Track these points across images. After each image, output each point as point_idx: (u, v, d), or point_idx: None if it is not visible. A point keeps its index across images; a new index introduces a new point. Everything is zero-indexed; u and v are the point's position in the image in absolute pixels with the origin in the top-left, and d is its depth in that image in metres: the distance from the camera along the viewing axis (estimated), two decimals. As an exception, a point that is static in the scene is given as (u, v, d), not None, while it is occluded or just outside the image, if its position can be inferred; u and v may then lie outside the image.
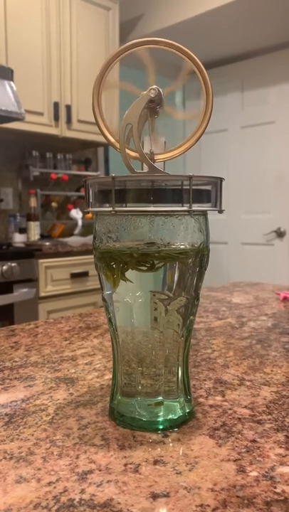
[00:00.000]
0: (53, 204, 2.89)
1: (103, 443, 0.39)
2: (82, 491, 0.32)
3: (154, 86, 0.40)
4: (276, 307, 0.95)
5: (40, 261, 2.24)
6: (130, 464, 0.35)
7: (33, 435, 0.40)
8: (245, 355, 0.63)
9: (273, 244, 3.16)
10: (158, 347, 0.41)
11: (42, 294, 2.25)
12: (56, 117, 2.51)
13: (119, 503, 0.30)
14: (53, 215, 2.93)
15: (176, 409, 0.42)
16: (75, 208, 2.90)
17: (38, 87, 2.44)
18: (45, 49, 2.45)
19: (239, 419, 0.43)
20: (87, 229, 2.82)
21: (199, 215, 0.40)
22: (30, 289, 2.16)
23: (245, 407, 0.46)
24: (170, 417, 0.42)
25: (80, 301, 2.42)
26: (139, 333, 0.41)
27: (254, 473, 0.34)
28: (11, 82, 2.17)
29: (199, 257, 0.41)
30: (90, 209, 0.40)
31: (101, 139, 0.46)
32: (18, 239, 2.57)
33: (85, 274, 2.42)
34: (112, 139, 0.42)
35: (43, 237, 2.73)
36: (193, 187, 0.37)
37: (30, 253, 2.22)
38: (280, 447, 0.38)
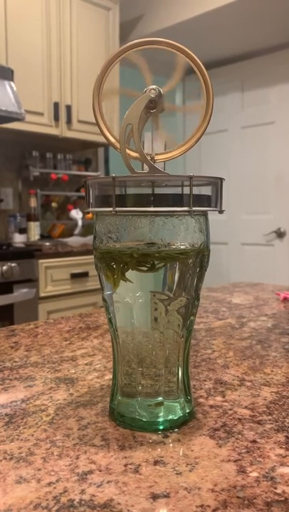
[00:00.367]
0: (53, 204, 2.89)
1: (103, 443, 0.38)
2: (83, 492, 0.32)
3: (154, 86, 0.40)
4: (276, 307, 0.95)
5: (40, 261, 2.24)
6: (130, 464, 0.35)
7: (33, 435, 0.40)
8: (245, 356, 0.63)
9: (273, 244, 3.15)
10: (158, 347, 0.41)
11: (42, 295, 2.25)
12: (56, 117, 2.51)
13: (119, 504, 0.30)
14: (53, 216, 2.93)
15: (177, 410, 0.42)
16: (75, 208, 2.90)
17: (38, 87, 2.44)
18: (46, 49, 2.46)
19: (239, 419, 0.43)
20: (87, 229, 2.82)
21: (200, 216, 0.40)
22: (30, 289, 2.16)
23: (246, 407, 0.46)
24: (170, 417, 0.42)
25: (80, 302, 2.42)
26: (139, 334, 0.41)
27: (254, 474, 0.34)
28: (11, 82, 2.17)
29: (200, 258, 0.41)
30: (91, 209, 0.40)
31: (101, 139, 0.46)
32: (18, 239, 2.57)
33: (85, 275, 2.42)
34: (112, 139, 0.42)
35: (43, 237, 2.73)
36: (194, 193, 0.37)
37: (30, 253, 2.21)
38: (281, 448, 0.38)
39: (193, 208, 0.38)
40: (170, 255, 0.39)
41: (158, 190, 0.38)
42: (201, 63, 0.40)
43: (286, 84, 3.04)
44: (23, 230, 2.61)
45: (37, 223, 2.68)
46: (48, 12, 2.45)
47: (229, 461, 0.36)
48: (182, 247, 0.40)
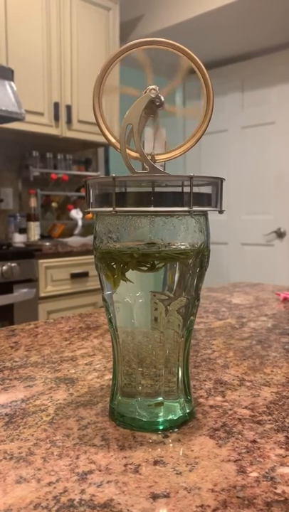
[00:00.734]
0: (53, 204, 2.89)
1: (103, 443, 0.39)
2: (82, 492, 0.32)
3: (155, 86, 0.40)
4: (276, 308, 0.95)
5: (40, 261, 2.24)
6: (130, 464, 0.35)
7: (33, 435, 0.40)
8: (245, 356, 0.63)
9: (273, 244, 3.15)
10: (158, 347, 0.41)
11: (42, 294, 2.25)
12: (56, 117, 2.51)
13: (119, 504, 0.30)
14: (53, 216, 2.93)
15: (177, 410, 0.42)
16: (75, 208, 2.90)
17: (39, 87, 2.44)
18: (46, 49, 2.46)
19: (239, 419, 0.43)
20: (87, 229, 2.83)
21: (200, 216, 0.40)
22: (30, 289, 2.16)
23: (246, 407, 0.46)
24: (170, 417, 0.42)
25: (80, 302, 2.42)
26: (139, 334, 0.41)
27: (254, 474, 0.34)
28: (12, 82, 2.17)
29: (200, 258, 0.41)
30: (91, 209, 0.40)
31: (101, 139, 0.46)
32: (18, 239, 2.57)
33: (85, 275, 2.42)
34: (112, 139, 0.42)
35: (43, 237, 2.73)
36: (194, 191, 0.37)
37: (30, 253, 2.21)
38: (281, 448, 0.38)
39: (194, 208, 0.38)
40: (170, 255, 0.39)
41: (158, 190, 0.38)
42: (201, 63, 0.40)
43: (286, 84, 3.05)
44: (23, 230, 2.61)
45: (37, 223, 2.68)
46: (48, 12, 2.45)
47: (229, 461, 0.36)
48: (182, 247, 0.40)
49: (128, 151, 0.40)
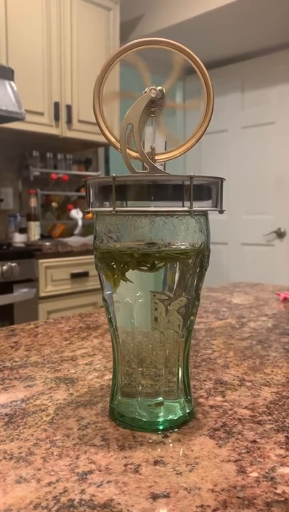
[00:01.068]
0: (53, 204, 2.89)
1: (103, 443, 0.38)
2: (82, 492, 0.32)
3: (155, 86, 0.40)
4: (276, 308, 0.95)
5: (41, 261, 2.24)
6: (130, 464, 0.35)
7: (33, 435, 0.40)
8: (245, 356, 0.63)
9: (273, 244, 3.15)
10: (158, 347, 0.41)
11: (42, 294, 2.25)
12: (56, 117, 2.51)
13: (119, 504, 0.30)
14: (53, 215, 2.93)
15: (177, 410, 0.42)
16: (75, 208, 2.90)
17: (39, 87, 2.44)
18: (46, 49, 2.45)
19: (239, 419, 0.43)
20: (88, 229, 2.82)
21: (200, 216, 0.40)
22: (30, 289, 2.16)
23: (246, 407, 0.46)
24: (170, 417, 0.42)
25: (80, 301, 2.42)
26: (139, 334, 0.41)
27: (254, 474, 0.34)
28: (12, 82, 2.17)
29: (200, 258, 0.41)
30: (91, 209, 0.40)
31: (101, 139, 0.46)
32: (18, 239, 2.57)
33: (85, 274, 2.42)
34: (112, 139, 0.42)
35: (43, 237, 2.73)
36: (194, 183, 0.37)
37: (30, 253, 2.21)
38: (281, 448, 0.38)
39: (194, 208, 0.38)
40: (170, 255, 0.39)
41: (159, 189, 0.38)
42: (201, 63, 0.39)
43: (286, 84, 3.04)
44: (23, 230, 2.61)
45: (37, 223, 2.68)
46: (49, 12, 2.45)
47: (229, 461, 0.36)
48: (182, 247, 0.40)
49: (128, 150, 0.40)
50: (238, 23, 2.81)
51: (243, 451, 0.37)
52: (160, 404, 0.42)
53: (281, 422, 0.42)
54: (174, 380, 0.42)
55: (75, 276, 2.38)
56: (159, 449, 0.37)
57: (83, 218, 2.83)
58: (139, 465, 0.35)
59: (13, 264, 2.08)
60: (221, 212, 0.41)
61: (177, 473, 0.34)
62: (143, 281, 0.40)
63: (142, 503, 0.30)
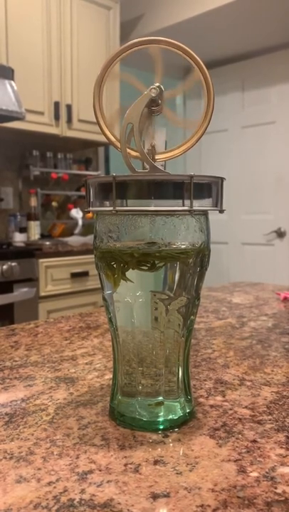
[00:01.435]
0: (54, 203, 2.89)
1: (103, 443, 0.38)
2: (83, 491, 0.32)
3: (155, 85, 0.40)
4: (276, 307, 0.95)
5: (41, 260, 2.24)
6: (130, 464, 0.35)
7: (33, 435, 0.40)
8: (245, 356, 0.63)
9: (273, 244, 3.15)
10: (158, 347, 0.41)
11: (42, 294, 2.25)
12: (57, 117, 2.51)
13: (119, 503, 0.30)
14: (53, 215, 2.93)
15: (177, 410, 0.42)
16: (75, 207, 2.90)
17: (39, 87, 2.44)
18: (46, 48, 2.45)
19: (240, 419, 0.43)
20: (88, 228, 2.82)
21: (200, 215, 0.40)
22: (30, 288, 2.16)
23: (246, 407, 0.46)
24: (170, 417, 0.42)
25: (80, 301, 2.42)
26: (139, 333, 0.41)
27: (255, 474, 0.34)
28: (12, 82, 2.17)
29: (200, 257, 0.41)
30: (91, 208, 0.40)
31: (102, 138, 0.46)
32: (19, 238, 2.57)
33: (85, 274, 2.42)
34: (112, 139, 0.42)
35: (43, 236, 2.73)
36: (194, 181, 0.37)
37: (30, 253, 2.21)
38: (281, 448, 0.38)
39: (194, 208, 0.38)
40: (170, 255, 0.39)
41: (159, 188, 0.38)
42: (201, 63, 0.39)
43: (286, 84, 3.04)
44: (23, 230, 2.61)
45: (37, 222, 2.68)
46: (49, 11, 2.45)
47: (229, 460, 0.36)
48: (183, 246, 0.40)
49: (128, 150, 0.40)
50: (238, 23, 2.80)
51: (243, 450, 0.37)
52: (160, 403, 0.42)
53: (281, 421, 0.42)
54: (174, 380, 0.42)
55: (75, 275, 2.38)
56: (159, 449, 0.37)
57: (83, 218, 2.83)
58: (140, 465, 0.35)
59: (13, 264, 2.08)
60: (222, 211, 0.41)
61: (177, 473, 0.34)
62: (143, 281, 0.40)
63: (142, 503, 0.30)
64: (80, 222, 2.81)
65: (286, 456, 0.36)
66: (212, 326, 0.79)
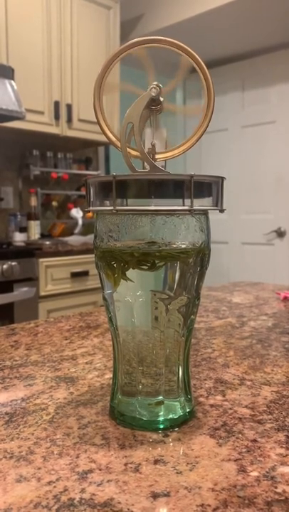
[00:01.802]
0: (54, 203, 2.89)
1: (103, 442, 0.38)
2: (83, 491, 0.32)
3: (155, 84, 0.40)
4: (276, 307, 0.95)
5: (41, 260, 2.24)
6: (130, 463, 0.35)
7: (33, 434, 0.40)
8: (245, 355, 0.63)
9: (274, 244, 3.15)
10: (159, 346, 0.41)
11: (42, 293, 2.25)
12: (57, 116, 2.51)
13: (119, 503, 0.30)
14: (53, 214, 2.93)
15: (177, 409, 0.42)
16: (75, 207, 2.90)
17: (39, 86, 2.44)
18: (46, 48, 2.45)
19: (240, 418, 0.43)
20: (88, 228, 2.82)
21: (200, 215, 0.40)
22: (30, 288, 2.16)
23: (246, 406, 0.46)
24: (170, 416, 0.42)
25: (80, 301, 2.42)
26: (139, 333, 0.41)
27: (255, 473, 0.34)
28: (12, 81, 2.17)
29: (200, 257, 0.41)
30: (91, 208, 0.40)
31: (102, 138, 0.46)
32: (19, 238, 2.57)
33: (85, 274, 2.42)
34: (113, 138, 0.42)
35: (43, 236, 2.73)
36: (194, 181, 0.37)
37: (30, 252, 2.21)
38: (281, 447, 0.38)
39: (194, 207, 0.38)
40: (171, 254, 0.39)
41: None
42: (202, 62, 0.39)
43: (286, 83, 3.04)
44: (23, 229, 2.61)
45: (37, 222, 2.68)
46: (49, 11, 2.45)
47: (229, 460, 0.36)
48: (183, 246, 0.40)
49: (129, 149, 0.40)
50: (238, 23, 2.80)
51: (244, 450, 0.37)
52: (160, 403, 0.42)
53: (281, 421, 0.42)
54: (174, 379, 0.42)
55: (75, 275, 2.38)
56: (159, 448, 0.37)
57: (83, 217, 2.83)
58: (140, 464, 0.35)
59: (13, 263, 2.08)
60: (222, 211, 0.41)
61: (177, 473, 0.34)
62: (143, 281, 0.40)
63: (143, 502, 0.30)
64: (80, 221, 2.81)
65: (286, 455, 0.36)
66: (212, 326, 0.79)
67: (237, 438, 0.39)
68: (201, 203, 0.39)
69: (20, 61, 2.31)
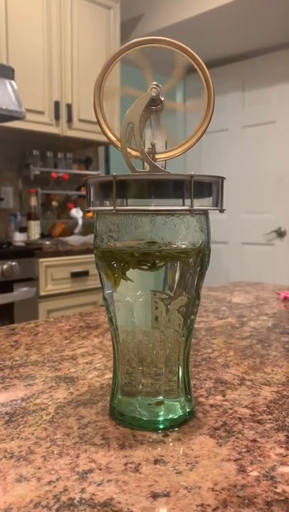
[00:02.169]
0: (54, 203, 2.89)
1: (103, 442, 0.38)
2: (83, 490, 0.32)
3: (155, 84, 0.40)
4: (276, 307, 0.95)
5: (41, 260, 2.24)
6: (130, 463, 0.35)
7: (33, 434, 0.40)
8: (245, 355, 0.63)
9: (274, 244, 3.15)
10: (159, 346, 0.41)
11: (42, 293, 2.25)
12: (57, 116, 2.51)
13: (119, 503, 0.30)
14: (53, 214, 2.93)
15: (177, 409, 0.42)
16: (75, 207, 2.90)
17: (39, 86, 2.44)
18: (46, 48, 2.45)
19: (240, 418, 0.43)
20: (88, 228, 2.82)
21: (200, 215, 0.40)
22: (30, 288, 2.16)
23: (246, 406, 0.46)
24: (170, 416, 0.42)
25: (80, 301, 2.42)
26: (139, 333, 0.41)
27: (255, 473, 0.34)
28: (12, 81, 2.17)
29: (200, 257, 0.41)
30: (91, 208, 0.40)
31: (102, 138, 0.46)
32: (19, 238, 2.57)
33: (85, 274, 2.42)
34: (113, 138, 0.42)
35: (43, 236, 2.73)
36: (195, 181, 0.37)
37: (30, 252, 2.21)
38: (281, 447, 0.38)
39: (194, 207, 0.38)
40: (171, 254, 0.39)
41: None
42: (202, 62, 0.39)
43: (287, 83, 3.04)
44: (23, 229, 2.61)
45: (37, 222, 2.68)
46: (49, 11, 2.45)
47: (229, 460, 0.36)
48: (183, 246, 0.40)
49: (129, 149, 0.40)
50: (238, 23, 2.80)
51: (243, 450, 0.37)
52: (160, 403, 0.42)
53: (281, 421, 0.42)
54: (174, 379, 0.42)
55: (75, 275, 2.38)
56: (159, 448, 0.37)
57: (83, 217, 2.83)
58: (140, 464, 0.35)
59: (13, 263, 2.08)
60: (222, 211, 0.41)
61: (177, 472, 0.34)
62: (143, 281, 0.40)
63: (142, 502, 0.30)
64: (80, 221, 2.81)
65: (286, 455, 0.36)
66: (212, 326, 0.79)
67: (237, 438, 0.39)
68: (201, 203, 0.39)
69: (20, 61, 2.31)
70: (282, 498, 0.31)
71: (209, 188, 0.39)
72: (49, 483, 0.33)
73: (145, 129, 0.41)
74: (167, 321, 0.41)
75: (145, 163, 0.40)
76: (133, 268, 0.39)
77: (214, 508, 0.30)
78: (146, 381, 0.42)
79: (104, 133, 0.42)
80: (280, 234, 3.11)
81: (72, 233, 2.81)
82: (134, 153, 0.41)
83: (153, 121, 0.41)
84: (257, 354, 0.63)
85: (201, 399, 0.48)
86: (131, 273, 0.40)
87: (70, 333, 0.73)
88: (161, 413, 0.42)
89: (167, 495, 0.31)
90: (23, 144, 2.74)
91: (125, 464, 0.35)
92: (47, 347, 0.66)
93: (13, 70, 2.19)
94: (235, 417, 0.43)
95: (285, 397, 0.48)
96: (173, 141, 0.42)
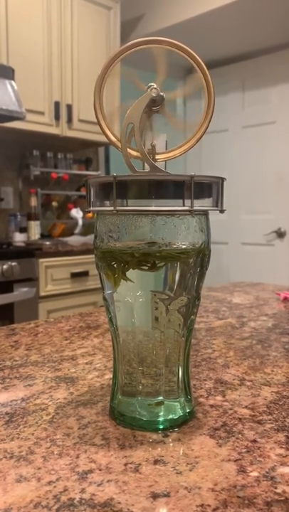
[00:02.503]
0: (54, 203, 2.89)
1: (103, 442, 0.39)
2: (83, 491, 0.32)
3: (155, 85, 0.40)
4: (276, 307, 0.95)
5: (41, 260, 2.24)
6: (130, 463, 0.35)
7: (33, 434, 0.40)
8: (245, 356, 0.63)
9: (274, 244, 3.15)
10: (159, 347, 0.41)
11: (42, 294, 2.25)
12: (57, 117, 2.51)
13: (119, 503, 0.30)
14: (53, 215, 2.93)
15: (177, 409, 0.42)
16: (75, 207, 2.90)
17: (39, 87, 2.44)
18: (46, 48, 2.45)
19: (240, 419, 0.43)
20: (88, 228, 2.82)
21: (200, 215, 0.40)
22: (30, 288, 2.16)
23: (246, 407, 0.46)
24: (170, 416, 0.42)
25: (80, 301, 2.42)
26: (139, 333, 0.41)
27: (255, 474, 0.34)
28: (12, 81, 2.17)
29: (200, 257, 0.41)
30: (92, 208, 0.40)
31: (102, 138, 0.46)
32: (19, 238, 2.57)
33: (85, 274, 2.42)
34: (113, 138, 0.42)
35: (43, 236, 2.73)
36: (195, 181, 0.37)
37: (30, 252, 2.21)
38: (281, 447, 0.38)
39: (195, 208, 0.38)
40: (171, 255, 0.39)
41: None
42: (202, 62, 0.39)
43: (287, 84, 3.04)
44: (23, 229, 2.61)
45: (37, 222, 2.68)
46: (49, 11, 2.45)
47: (229, 460, 0.36)
48: (183, 246, 0.40)
49: (129, 150, 0.40)
50: (238, 23, 2.80)
51: (243, 450, 0.37)
52: (160, 403, 0.42)
53: (281, 421, 0.42)
54: (174, 380, 0.42)
55: (75, 275, 2.38)
56: (159, 449, 0.37)
57: (83, 218, 2.83)
58: (140, 464, 0.35)
59: (13, 264, 2.08)
60: (222, 211, 0.41)
61: (177, 473, 0.34)
62: (143, 281, 0.40)
63: (142, 502, 0.30)
64: (80, 222, 2.81)
65: (286, 456, 0.36)
66: (212, 326, 0.79)
67: (237, 438, 0.39)
68: (201, 204, 0.39)
69: (20, 61, 2.31)
70: (282, 498, 0.31)
71: (209, 188, 0.40)
72: (49, 483, 0.33)
73: (145, 129, 0.41)
74: (167, 321, 0.41)
75: (145, 164, 0.40)
76: (133, 268, 0.39)
77: (214, 509, 0.30)
78: (146, 381, 0.42)
79: (104, 133, 0.42)
80: (280, 234, 3.11)
81: (72, 233, 2.81)
82: (134, 153, 0.41)
83: (153, 121, 0.41)
84: (257, 354, 0.63)
85: (201, 399, 0.48)
86: (131, 273, 0.40)
87: (70, 334, 0.73)
88: (161, 413, 0.42)
89: (167, 495, 0.31)
90: (23, 144, 2.74)
91: (125, 464, 0.35)
92: (47, 347, 0.66)
93: (13, 70, 2.19)
94: (235, 418, 0.43)
95: (285, 398, 0.48)
96: (173, 141, 0.42)
